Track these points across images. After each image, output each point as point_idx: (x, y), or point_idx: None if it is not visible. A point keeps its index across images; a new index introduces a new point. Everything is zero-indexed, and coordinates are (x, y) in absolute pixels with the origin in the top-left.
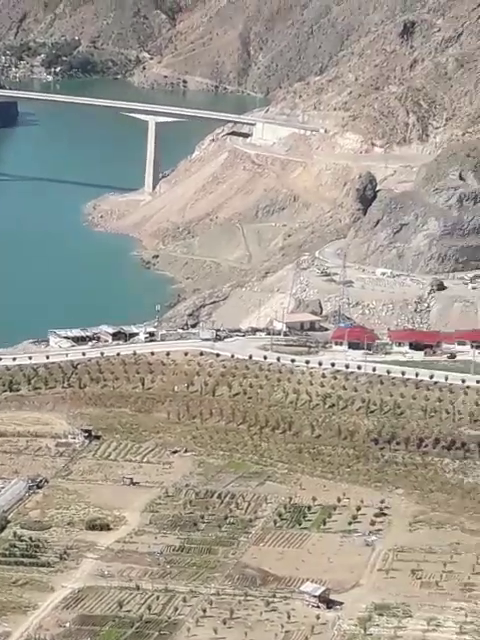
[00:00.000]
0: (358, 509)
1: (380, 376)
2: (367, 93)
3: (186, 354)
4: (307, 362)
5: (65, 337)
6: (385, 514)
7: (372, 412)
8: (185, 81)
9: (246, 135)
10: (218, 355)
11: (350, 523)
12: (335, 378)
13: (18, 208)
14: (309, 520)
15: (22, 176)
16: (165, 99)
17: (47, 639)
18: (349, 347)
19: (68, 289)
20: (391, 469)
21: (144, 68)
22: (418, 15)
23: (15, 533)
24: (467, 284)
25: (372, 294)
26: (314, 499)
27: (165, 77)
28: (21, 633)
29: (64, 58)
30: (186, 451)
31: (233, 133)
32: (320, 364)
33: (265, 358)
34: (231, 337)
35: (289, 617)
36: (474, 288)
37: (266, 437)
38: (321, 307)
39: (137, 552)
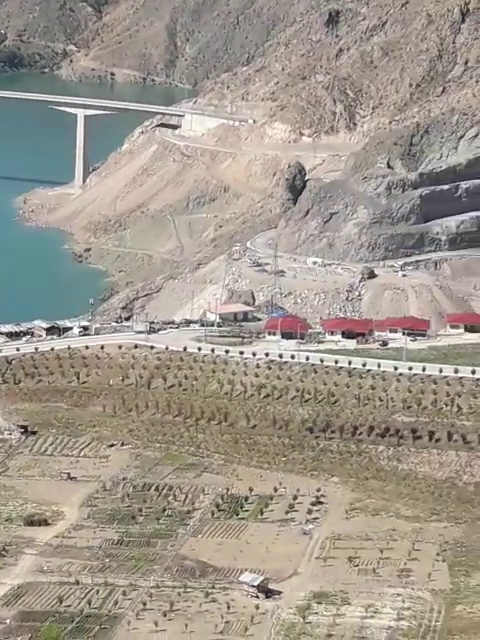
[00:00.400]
0: (295, 498)
1: (314, 365)
2: (294, 83)
3: (120, 347)
4: (241, 353)
5: None
6: (321, 502)
7: (306, 401)
8: (113, 73)
9: (175, 127)
10: (152, 347)
11: (287, 512)
12: (269, 368)
13: None
14: (246, 510)
15: None
16: (93, 92)
17: None
18: (282, 337)
19: (0, 284)
20: (326, 457)
21: (71, 61)
22: (343, 4)
23: None
24: (397, 272)
25: (304, 283)
26: (251, 489)
27: (93, 70)
28: None
29: None
30: (123, 444)
31: (162, 125)
32: (254, 354)
33: (199, 349)
34: (165, 329)
35: (229, 608)
36: (404, 276)
37: (202, 428)
38: (254, 297)
39: (76, 547)
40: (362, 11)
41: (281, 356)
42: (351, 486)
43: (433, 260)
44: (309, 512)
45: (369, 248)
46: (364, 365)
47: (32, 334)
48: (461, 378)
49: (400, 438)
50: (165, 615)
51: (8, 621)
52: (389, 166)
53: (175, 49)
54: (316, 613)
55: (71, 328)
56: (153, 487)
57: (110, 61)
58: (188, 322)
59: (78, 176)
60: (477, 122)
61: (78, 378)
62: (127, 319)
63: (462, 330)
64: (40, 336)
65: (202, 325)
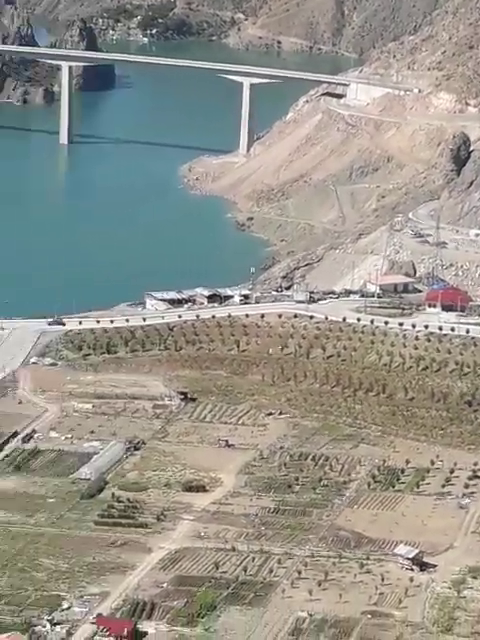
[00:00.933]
0: (451, 472)
1: (474, 338)
2: (461, 52)
3: (280, 316)
4: (401, 324)
5: (161, 300)
6: (479, 477)
7: (465, 374)
8: (279, 42)
9: (340, 96)
10: (312, 317)
11: (443, 486)
12: (429, 340)
13: (115, 171)
14: (403, 483)
15: (119, 139)
16: (259, 60)
17: (145, 599)
18: (443, 309)
19: (164, 251)
20: None
21: (239, 29)
22: None
23: (113, 494)
24: None
25: (466, 256)
26: (408, 462)
27: (260, 38)
28: (119, 593)
29: (160, 20)
30: (281, 413)
31: (327, 94)
32: (413, 326)
33: (359, 320)
34: (325, 299)
35: (383, 579)
36: None
37: (360, 400)
38: (414, 269)
39: (233, 514)
40: None
41: (441, 328)
42: None
43: None
44: (466, 486)
45: None
46: None
47: (194, 302)
48: None
49: None
50: (320, 584)
51: (165, 585)
52: None
53: (342, 18)
54: (471, 588)
55: (232, 296)
56: (310, 457)
57: (277, 29)
58: (348, 292)
59: (242, 145)
60: None
61: (238, 346)
62: (287, 288)
63: None
64: (201, 304)
65: (362, 296)
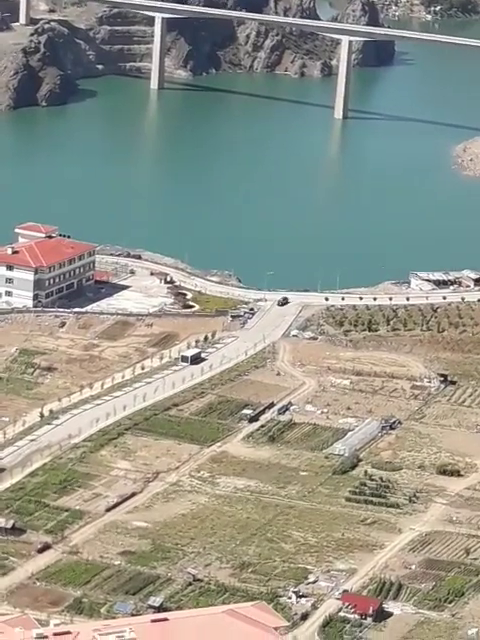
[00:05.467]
0: None
1: None
2: None
3: None
4: None
5: (426, 280)
6: None
7: None
8: None
9: None
10: None
11: None
12: None
13: (387, 147)
14: None
15: (395, 116)
16: None
17: (392, 580)
18: None
19: (432, 231)
20: None
21: None
22: None
23: (366, 472)
24: None
25: None
26: None
27: None
28: (367, 571)
29: None
30: None
31: None
32: None
33: None
34: None
35: None
36: None
37: None
38: None
39: None
40: None
41: None
42: None
43: None
44: None
45: None
46: None
47: (460, 283)
48: None
49: None
50: None
51: (414, 567)
52: None
53: None
54: None
55: None
56: None
57: None
58: None
59: None
60: None
61: None
62: None
63: None
64: (468, 286)
65: None
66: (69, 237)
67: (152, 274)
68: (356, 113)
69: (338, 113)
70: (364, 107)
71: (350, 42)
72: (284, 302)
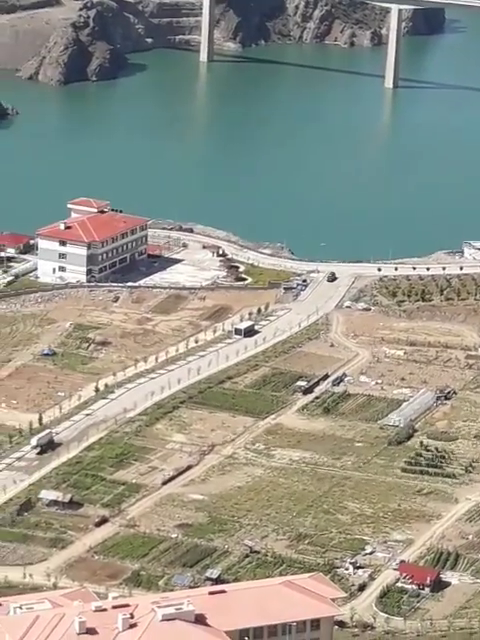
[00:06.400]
0: None
1: None
2: None
3: None
4: None
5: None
6: None
7: None
8: None
9: None
10: None
11: None
12: None
13: (438, 116)
14: None
15: (446, 84)
16: None
17: (449, 550)
18: None
19: None
20: None
21: None
22: None
23: (421, 442)
24: None
25: None
26: None
27: None
28: (423, 542)
29: None
30: None
31: None
32: None
33: None
34: None
35: None
36: None
37: None
38: None
39: None
40: None
41: None
42: None
43: None
44: None
45: None
46: None
47: None
48: None
49: None
50: None
51: (470, 537)
52: None
53: None
54: None
55: None
56: None
57: None
58: None
59: None
60: None
61: None
62: None
63: None
64: None
65: None
66: (121, 212)
67: (204, 247)
68: (407, 82)
69: (389, 82)
70: (415, 76)
71: (400, 10)
72: (333, 278)
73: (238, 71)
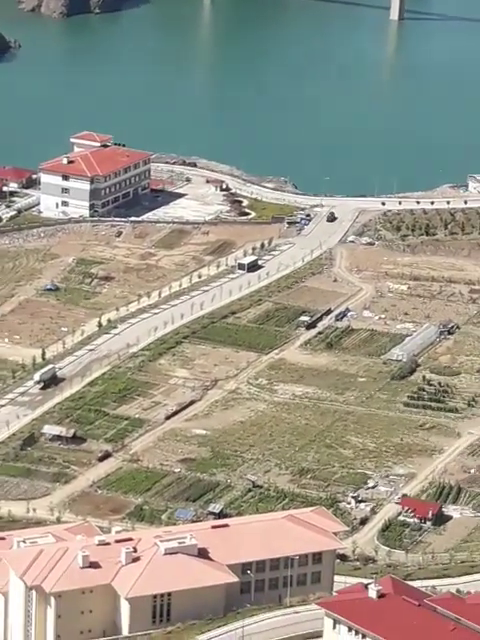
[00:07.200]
0: None
1: None
2: None
3: None
4: None
5: None
6: None
7: None
8: None
9: None
10: None
11: None
12: None
13: (445, 49)
14: None
15: (452, 16)
16: None
17: (451, 484)
18: None
19: None
20: None
21: None
22: None
23: (424, 377)
24: None
25: None
26: None
27: None
28: (425, 476)
29: None
30: None
31: None
32: None
33: None
34: None
35: None
36: None
37: None
38: None
39: None
40: None
41: None
42: None
43: None
44: None
45: None
46: None
47: None
48: None
49: None
50: None
51: (473, 471)
52: None
53: None
54: None
55: None
56: None
57: None
58: None
59: None
60: None
61: None
62: None
63: None
64: None
65: None
66: (124, 146)
67: (208, 182)
68: (412, 14)
69: (394, 14)
70: (420, 7)
71: None
72: (332, 218)
73: (242, 3)
